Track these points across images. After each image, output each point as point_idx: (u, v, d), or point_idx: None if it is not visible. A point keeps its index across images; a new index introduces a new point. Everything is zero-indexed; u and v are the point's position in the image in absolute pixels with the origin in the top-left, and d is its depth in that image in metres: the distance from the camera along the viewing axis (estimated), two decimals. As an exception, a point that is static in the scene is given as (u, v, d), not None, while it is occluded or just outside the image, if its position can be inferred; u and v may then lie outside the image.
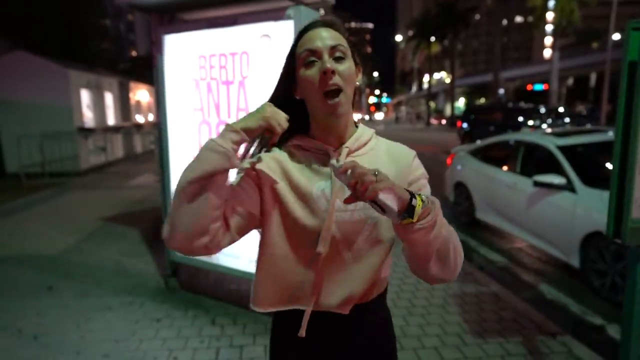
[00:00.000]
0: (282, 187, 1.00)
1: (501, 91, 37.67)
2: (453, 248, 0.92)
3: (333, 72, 0.95)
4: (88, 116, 11.44)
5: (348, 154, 1.03)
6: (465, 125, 17.83)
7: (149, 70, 3.70)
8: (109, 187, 9.03)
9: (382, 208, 0.77)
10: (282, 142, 1.07)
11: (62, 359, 2.73)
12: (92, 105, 11.71)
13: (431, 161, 14.05)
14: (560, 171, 4.15)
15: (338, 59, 0.98)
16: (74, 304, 3.51)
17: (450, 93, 47.07)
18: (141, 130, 14.80)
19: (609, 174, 1.74)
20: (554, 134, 5.10)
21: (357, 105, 1.09)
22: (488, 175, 5.47)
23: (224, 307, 3.35)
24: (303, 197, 1.00)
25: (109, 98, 12.93)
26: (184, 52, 3.18)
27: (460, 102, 55.02)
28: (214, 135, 0.92)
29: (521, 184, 4.65)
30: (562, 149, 4.36)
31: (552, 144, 4.49)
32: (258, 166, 1.01)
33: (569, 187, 3.97)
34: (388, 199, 0.76)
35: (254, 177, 1.01)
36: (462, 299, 3.56)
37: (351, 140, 1.05)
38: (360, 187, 0.76)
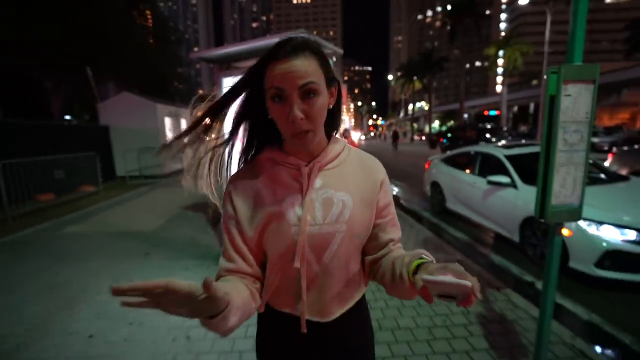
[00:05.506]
0: (255, 209, 0.77)
1: (465, 116, 36.93)
2: None
3: (302, 119, 0.68)
4: (169, 136, 11.76)
5: (320, 169, 0.79)
6: (445, 141, 17.70)
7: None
8: (182, 186, 9.25)
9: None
10: (255, 153, 0.84)
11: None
12: (172, 128, 12.04)
13: (414, 167, 13.94)
14: (506, 173, 4.13)
15: (308, 95, 0.68)
16: (164, 264, 3.67)
17: (428, 117, 46.34)
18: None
19: (536, 173, 1.78)
20: (502, 146, 5.05)
21: (345, 103, 0.78)
22: (455, 176, 5.44)
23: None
24: (274, 213, 0.76)
25: (183, 123, 13.26)
26: (238, 91, 3.29)
27: (436, 124, 54.48)
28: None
29: (478, 183, 4.63)
30: (508, 157, 4.34)
31: (501, 153, 4.47)
32: (233, 196, 0.80)
33: (513, 185, 3.95)
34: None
35: (232, 212, 0.79)
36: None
37: (322, 155, 0.80)
38: (471, 291, 0.57)
